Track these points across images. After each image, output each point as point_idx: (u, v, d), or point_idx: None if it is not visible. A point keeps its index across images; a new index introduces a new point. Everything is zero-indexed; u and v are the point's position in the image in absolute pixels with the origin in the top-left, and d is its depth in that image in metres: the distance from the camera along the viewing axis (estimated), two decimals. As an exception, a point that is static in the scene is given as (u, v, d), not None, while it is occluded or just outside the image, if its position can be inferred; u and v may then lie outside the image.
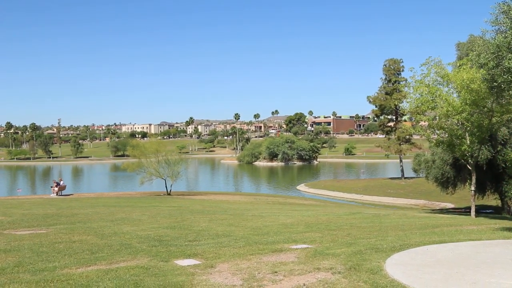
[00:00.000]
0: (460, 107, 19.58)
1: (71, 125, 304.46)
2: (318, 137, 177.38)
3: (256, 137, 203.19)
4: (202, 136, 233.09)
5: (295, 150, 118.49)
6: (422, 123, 24.20)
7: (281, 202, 35.93)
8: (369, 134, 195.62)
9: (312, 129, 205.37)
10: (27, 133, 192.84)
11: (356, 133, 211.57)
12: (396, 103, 60.33)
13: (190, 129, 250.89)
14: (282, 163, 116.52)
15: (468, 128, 20.41)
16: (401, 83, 60.70)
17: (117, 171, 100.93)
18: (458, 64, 21.30)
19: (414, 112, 22.36)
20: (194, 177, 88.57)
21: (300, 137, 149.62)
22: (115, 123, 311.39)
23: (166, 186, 42.00)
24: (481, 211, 29.54)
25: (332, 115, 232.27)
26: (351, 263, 7.37)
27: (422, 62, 21.70)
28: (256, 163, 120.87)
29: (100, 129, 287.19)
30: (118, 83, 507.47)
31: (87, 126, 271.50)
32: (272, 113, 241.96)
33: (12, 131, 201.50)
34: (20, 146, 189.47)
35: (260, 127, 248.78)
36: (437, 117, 22.07)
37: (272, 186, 69.86)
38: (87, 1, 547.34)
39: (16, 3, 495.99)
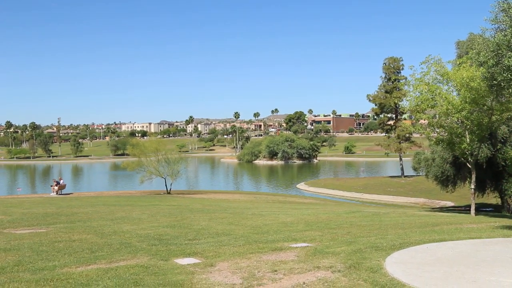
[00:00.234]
0: (460, 105, 19.57)
1: (71, 124, 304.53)
2: (318, 135, 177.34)
3: (256, 135, 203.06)
4: (202, 135, 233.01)
5: (295, 149, 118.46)
6: (422, 121, 24.17)
7: (281, 201, 35.93)
8: (369, 133, 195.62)
9: (312, 127, 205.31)
10: (27, 132, 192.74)
11: (356, 132, 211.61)
12: (396, 102, 60.37)
13: (190, 128, 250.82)
14: (282, 162, 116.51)
15: (468, 126, 20.40)
16: (401, 81, 60.78)
17: (117, 170, 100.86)
18: (458, 62, 21.27)
19: (414, 111, 22.34)
20: (194, 176, 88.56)
21: (300, 136, 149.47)
22: (115, 122, 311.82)
23: (166, 185, 42.00)
24: (481, 209, 29.55)
25: (332, 113, 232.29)
26: (351, 261, 7.37)
27: (422, 61, 21.70)
28: (256, 161, 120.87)
29: (100, 128, 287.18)
30: (118, 82, 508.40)
31: (87, 125, 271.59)
32: (272, 111, 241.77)
33: (12, 130, 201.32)
34: (20, 145, 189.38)
35: (260, 125, 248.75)
36: (437, 116, 22.06)
37: (272, 185, 69.87)
38: (87, 0, 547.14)
39: (16, 2, 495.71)
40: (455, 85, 20.14)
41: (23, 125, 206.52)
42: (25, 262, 7.60)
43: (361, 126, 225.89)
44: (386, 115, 67.20)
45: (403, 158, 64.61)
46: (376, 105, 65.33)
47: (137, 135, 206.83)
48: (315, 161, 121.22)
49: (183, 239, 10.25)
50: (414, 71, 22.17)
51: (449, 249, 8.64)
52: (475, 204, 22.14)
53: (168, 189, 41.85)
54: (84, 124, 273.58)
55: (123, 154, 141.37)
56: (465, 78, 18.85)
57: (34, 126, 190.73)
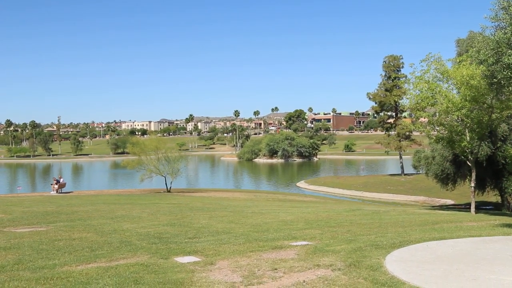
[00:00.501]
0: (460, 104, 19.54)
1: (71, 123, 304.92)
2: (318, 133, 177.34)
3: (256, 134, 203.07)
4: (202, 133, 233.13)
5: (295, 147, 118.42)
6: (422, 119, 24.13)
7: (281, 199, 35.94)
8: (369, 131, 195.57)
9: (312, 125, 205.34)
10: (27, 131, 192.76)
11: (356, 130, 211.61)
12: (396, 100, 60.34)
13: (190, 126, 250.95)
14: (282, 160, 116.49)
15: (468, 125, 20.38)
16: (401, 79, 60.62)
17: (117, 168, 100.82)
18: (458, 61, 21.23)
19: (414, 109, 22.31)
20: (194, 174, 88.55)
21: (300, 134, 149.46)
22: (114, 121, 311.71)
23: (166, 183, 41.99)
24: (481, 207, 29.54)
25: (332, 111, 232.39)
26: (351, 259, 7.37)
27: (421, 59, 21.66)
28: (256, 160, 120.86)
29: (100, 126, 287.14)
30: (118, 81, 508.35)
31: (87, 123, 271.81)
32: (272, 110, 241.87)
33: (12, 128, 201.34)
34: (20, 143, 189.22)
35: (260, 124, 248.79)
36: (437, 114, 22.02)
37: (272, 183, 69.88)
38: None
39: (16, 0, 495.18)
40: (455, 83, 20.10)
41: (23, 123, 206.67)
42: (25, 260, 7.61)
43: (361, 124, 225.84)
44: (386, 113, 67.15)
45: (403, 156, 64.60)
46: (376, 103, 65.30)
47: (137, 133, 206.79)
48: (315, 159, 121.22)
49: (183, 237, 10.26)
50: (414, 69, 22.13)
51: (449, 247, 8.64)
52: (475, 202, 22.12)
53: (168, 188, 41.85)
54: (84, 123, 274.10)
55: (123, 153, 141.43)
56: (465, 76, 18.82)
57: (34, 125, 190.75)
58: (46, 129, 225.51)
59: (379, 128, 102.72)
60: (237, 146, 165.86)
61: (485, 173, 28.59)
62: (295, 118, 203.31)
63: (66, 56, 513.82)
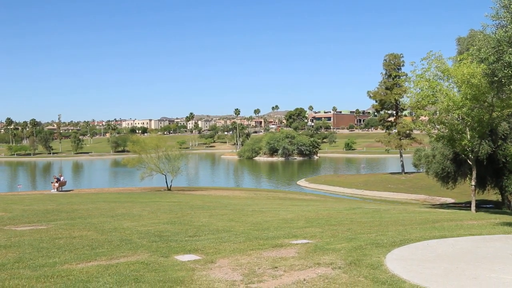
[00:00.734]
0: (461, 102, 19.52)
1: (71, 121, 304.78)
2: (319, 132, 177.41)
3: (256, 132, 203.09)
4: (203, 131, 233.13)
5: (296, 145, 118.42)
6: (422, 118, 24.13)
7: (282, 197, 35.94)
8: (370, 129, 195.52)
9: (313, 124, 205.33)
10: (27, 129, 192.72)
11: (356, 128, 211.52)
12: (396, 98, 60.21)
13: (190, 125, 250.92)
14: (283, 158, 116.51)
15: (469, 123, 20.36)
16: (401, 78, 60.53)
17: (118, 166, 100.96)
18: (458, 59, 21.21)
19: (415, 107, 22.30)
20: (195, 172, 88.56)
21: (300, 132, 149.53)
22: (115, 119, 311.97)
23: (166, 182, 42.00)
24: (482, 206, 29.53)
25: (333, 110, 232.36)
26: (351, 258, 7.37)
27: (422, 57, 21.63)
28: (257, 158, 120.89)
29: (100, 124, 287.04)
30: (118, 79, 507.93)
31: (87, 121, 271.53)
32: (272, 108, 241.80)
33: (12, 127, 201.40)
34: (21, 142, 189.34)
35: (260, 122, 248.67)
36: (438, 112, 22.01)
37: (273, 181, 69.88)
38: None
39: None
40: (456, 81, 20.08)
41: (23, 122, 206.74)
42: (26, 258, 7.61)
43: (362, 122, 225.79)
44: (386, 111, 67.10)
45: (403, 155, 64.56)
46: (376, 101, 65.25)
47: (137, 131, 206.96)
48: (316, 157, 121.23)
49: (183, 235, 10.26)
50: (415, 67, 22.11)
51: (450, 245, 8.64)
52: (476, 200, 22.13)
53: (169, 186, 41.85)
54: (85, 121, 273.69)
55: (123, 151, 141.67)
56: (466, 74, 18.80)
57: (35, 123, 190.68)
58: (47, 127, 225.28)
59: (379, 126, 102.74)
60: (237, 144, 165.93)
61: (486, 171, 28.58)
62: (296, 116, 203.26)
63: (66, 55, 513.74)
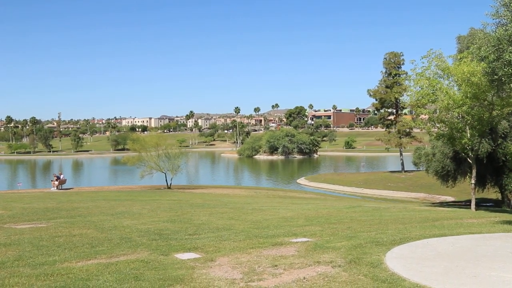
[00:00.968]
0: (461, 100, 19.52)
1: (71, 119, 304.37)
2: (318, 130, 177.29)
3: (256, 130, 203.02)
4: (202, 129, 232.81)
5: (295, 144, 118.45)
6: (422, 116, 24.12)
7: (281, 196, 35.96)
8: (369, 128, 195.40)
9: (312, 122, 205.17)
10: (27, 127, 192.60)
11: (356, 127, 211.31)
12: (396, 96, 60.17)
13: (190, 123, 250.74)
14: (282, 157, 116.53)
15: (469, 121, 20.36)
16: (401, 76, 60.54)
17: (117, 165, 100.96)
18: (458, 57, 21.20)
19: (415, 105, 22.29)
20: (194, 170, 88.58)
21: (300, 131, 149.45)
22: (115, 117, 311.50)
23: (166, 180, 42.04)
24: (481, 204, 29.56)
25: (332, 108, 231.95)
26: (351, 256, 7.37)
27: (422, 55, 21.61)
28: (257, 156, 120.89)
29: (100, 123, 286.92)
30: (118, 77, 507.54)
31: (87, 120, 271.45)
32: (272, 106, 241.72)
33: (12, 125, 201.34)
34: (20, 140, 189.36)
35: (260, 120, 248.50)
36: (438, 110, 22.01)
37: (272, 180, 69.88)
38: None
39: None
40: (456, 80, 20.07)
41: (23, 120, 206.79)
42: (26, 257, 7.61)
43: (362, 121, 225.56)
44: (386, 110, 67.10)
45: (403, 153, 64.56)
46: (376, 100, 65.22)
47: (137, 130, 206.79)
48: (316, 156, 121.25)
49: (183, 234, 10.26)
50: (415, 66, 22.10)
51: (450, 244, 8.64)
52: (476, 199, 22.15)
53: (169, 184, 41.88)
54: (85, 119, 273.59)
55: (123, 149, 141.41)
56: (466, 73, 18.78)
57: (35, 121, 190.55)
58: (47, 126, 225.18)
59: (379, 125, 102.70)
60: (237, 142, 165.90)
61: (486, 170, 28.61)
62: (296, 115, 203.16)
63: (66, 53, 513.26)
